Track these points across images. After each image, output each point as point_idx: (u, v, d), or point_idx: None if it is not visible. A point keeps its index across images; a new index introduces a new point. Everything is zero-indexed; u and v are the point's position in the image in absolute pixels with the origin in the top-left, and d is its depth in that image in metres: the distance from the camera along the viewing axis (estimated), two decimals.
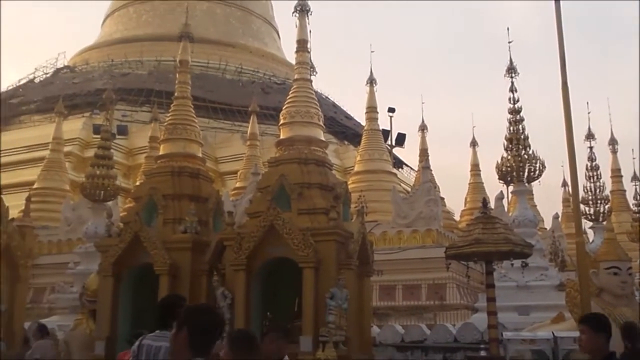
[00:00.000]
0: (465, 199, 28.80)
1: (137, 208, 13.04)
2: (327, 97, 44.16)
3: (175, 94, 14.30)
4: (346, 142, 39.00)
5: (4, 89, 41.21)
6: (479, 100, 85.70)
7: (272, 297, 11.52)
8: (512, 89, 17.42)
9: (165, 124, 14.33)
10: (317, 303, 10.46)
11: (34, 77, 43.76)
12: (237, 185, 25.65)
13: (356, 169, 25.45)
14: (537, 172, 16.83)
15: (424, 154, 27.85)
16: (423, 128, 28.78)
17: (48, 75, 43.69)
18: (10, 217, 15.50)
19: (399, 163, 37.68)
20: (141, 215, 12.61)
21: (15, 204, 18.25)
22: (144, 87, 36.39)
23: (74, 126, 31.79)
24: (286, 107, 12.98)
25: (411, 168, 39.13)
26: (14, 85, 42.94)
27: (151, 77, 38.15)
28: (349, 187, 14.22)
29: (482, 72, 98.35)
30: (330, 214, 11.12)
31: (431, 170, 23.75)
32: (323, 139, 13.16)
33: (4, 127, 34.83)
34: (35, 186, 25.06)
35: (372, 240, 13.34)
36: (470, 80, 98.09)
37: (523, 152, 16.76)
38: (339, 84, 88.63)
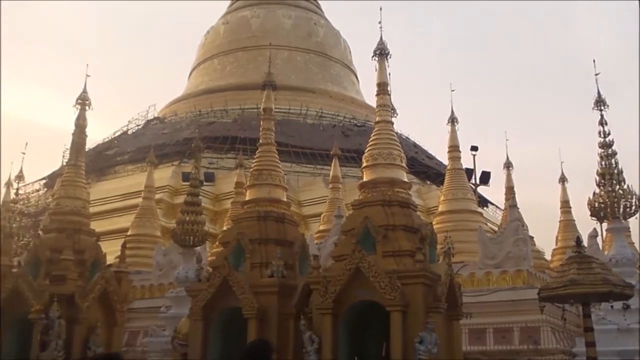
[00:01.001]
0: (556, 237, 27.70)
1: (225, 252, 13.37)
2: (407, 138, 44.08)
3: (260, 141, 14.72)
4: (428, 182, 38.59)
5: (100, 141, 43.62)
6: (566, 134, 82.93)
7: (359, 341, 11.42)
8: (602, 122, 16.81)
9: (251, 170, 14.73)
10: (406, 347, 10.27)
11: (127, 129, 46.18)
12: (321, 228, 25.80)
13: (440, 209, 25.06)
14: (633, 207, 16.03)
15: (509, 191, 27.13)
16: (508, 165, 28.13)
17: (140, 127, 45.98)
18: (107, 263, 16.28)
19: (484, 202, 36.84)
20: (229, 259, 12.92)
21: (111, 250, 19.13)
22: (228, 135, 37.59)
23: (164, 174, 33.13)
24: (368, 150, 13.08)
25: (497, 207, 38.13)
26: (109, 138, 45.39)
27: (235, 125, 39.42)
28: (434, 227, 14.04)
29: (569, 105, 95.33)
30: (417, 256, 11.00)
31: (518, 209, 23.03)
32: (406, 180, 13.13)
33: (101, 177, 36.85)
34: (129, 233, 26.16)
35: (459, 282, 13.05)
36: (556, 114, 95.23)
37: (617, 187, 16.04)
38: (419, 124, 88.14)
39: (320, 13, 53.12)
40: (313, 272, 11.87)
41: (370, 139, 13.36)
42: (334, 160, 28.31)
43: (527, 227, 24.03)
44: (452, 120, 25.73)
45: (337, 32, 52.14)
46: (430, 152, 45.01)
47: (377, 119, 13.58)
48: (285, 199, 14.33)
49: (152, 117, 46.78)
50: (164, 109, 48.25)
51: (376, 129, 13.46)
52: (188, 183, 19.70)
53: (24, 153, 23.34)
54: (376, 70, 13.92)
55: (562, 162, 28.80)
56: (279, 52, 43.28)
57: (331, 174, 28.18)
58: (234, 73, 46.47)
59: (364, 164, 13.12)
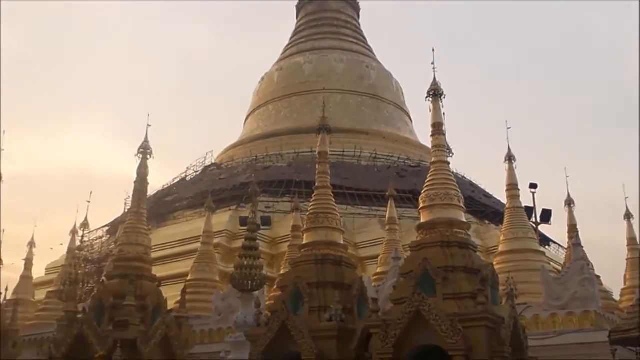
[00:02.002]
0: (624, 276, 26.58)
1: (284, 297, 13.39)
2: (464, 177, 43.55)
3: (316, 184, 14.84)
4: (487, 221, 37.84)
5: (160, 188, 44.78)
6: (630, 169, 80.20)
7: None
8: None
9: (307, 213, 14.83)
10: None
11: (186, 176, 47.31)
12: (378, 270, 25.54)
13: (500, 248, 24.47)
14: None
15: (572, 229, 26.32)
16: (569, 202, 27.34)
17: (198, 173, 47.03)
18: (168, 308, 16.52)
19: (545, 240, 35.80)
20: (288, 303, 12.93)
21: (171, 295, 19.40)
22: (284, 179, 37.99)
23: (222, 219, 33.61)
24: (425, 191, 13.00)
25: (560, 245, 36.98)
26: (169, 184, 46.57)
27: (290, 169, 39.85)
28: (495, 268, 13.73)
29: (631, 139, 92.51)
30: (478, 298, 10.75)
31: (582, 247, 22.27)
32: (464, 220, 12.95)
33: (161, 223, 37.67)
34: (189, 278, 26.51)
35: (524, 324, 12.64)
36: (618, 148, 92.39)
37: None
38: (475, 162, 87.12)
39: (371, 56, 53.74)
40: (372, 316, 11.73)
41: (427, 180, 13.28)
42: (389, 202, 28.15)
43: (592, 266, 23.19)
44: (509, 158, 25.30)
45: (389, 73, 52.54)
46: (487, 190, 44.29)
47: (433, 159, 13.53)
48: (342, 242, 14.32)
49: (209, 163, 47.79)
50: (221, 155, 49.30)
51: (432, 170, 13.40)
52: (245, 227, 19.87)
53: (89, 202, 24.19)
54: (430, 110, 13.94)
55: (626, 198, 27.84)
56: (332, 96, 43.86)
57: (387, 216, 27.99)
58: (288, 118, 47.26)
59: (421, 205, 13.02)
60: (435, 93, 13.84)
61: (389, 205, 28.20)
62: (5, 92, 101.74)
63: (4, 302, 21.43)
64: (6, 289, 21.77)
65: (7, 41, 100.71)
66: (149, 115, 18.03)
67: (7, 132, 22.43)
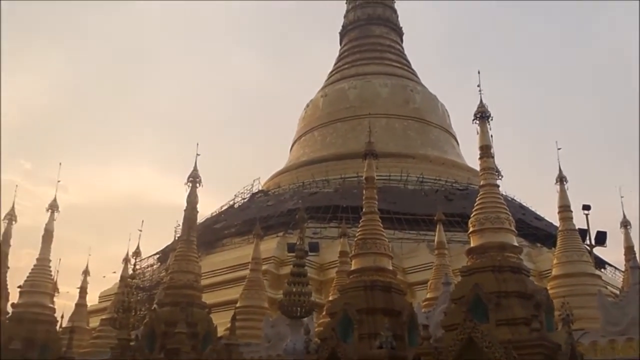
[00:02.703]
0: None
1: (333, 323, 13.32)
2: (513, 199, 42.75)
3: (363, 209, 14.80)
4: (539, 245, 36.95)
5: (208, 215, 45.38)
6: None
7: None
8: None
9: (355, 238, 14.78)
10: None
11: (234, 203, 47.85)
12: (428, 296, 25.13)
13: (554, 272, 23.81)
14: None
15: (629, 252, 25.39)
16: (625, 224, 26.44)
17: (245, 200, 47.52)
18: (218, 335, 16.63)
19: (601, 263, 34.69)
20: (337, 330, 12.85)
21: (221, 322, 19.52)
22: (331, 204, 38.00)
23: (270, 246, 33.77)
24: (475, 214, 12.82)
25: (616, 268, 35.76)
26: (217, 212, 47.17)
27: (337, 194, 39.87)
28: (549, 293, 13.37)
29: None
30: (533, 324, 10.47)
31: None
32: (516, 244, 12.69)
33: (210, 250, 38.11)
34: (238, 305, 26.60)
35: (581, 351, 12.23)
36: None
37: None
38: (524, 184, 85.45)
39: (416, 80, 53.70)
40: (423, 343, 11.54)
41: (476, 203, 13.10)
42: (438, 226, 27.77)
43: None
44: (561, 179, 24.72)
45: (434, 96, 52.35)
46: (538, 213, 43.33)
47: (482, 182, 13.35)
48: (391, 267, 14.20)
49: (257, 190, 48.24)
50: (268, 182, 49.74)
51: (481, 193, 13.21)
52: (293, 254, 19.90)
53: (140, 230, 24.63)
54: (478, 133, 13.81)
55: None
56: (377, 121, 43.85)
57: (436, 240, 27.60)
58: (334, 143, 47.44)
59: (471, 229, 12.83)
60: (483, 115, 13.72)
61: (437, 230, 27.82)
62: (59, 123, 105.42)
63: (60, 329, 21.96)
64: (62, 317, 22.32)
65: (62, 74, 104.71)
66: (197, 144, 18.37)
67: (62, 162, 23.20)
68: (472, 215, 12.94)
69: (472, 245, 12.69)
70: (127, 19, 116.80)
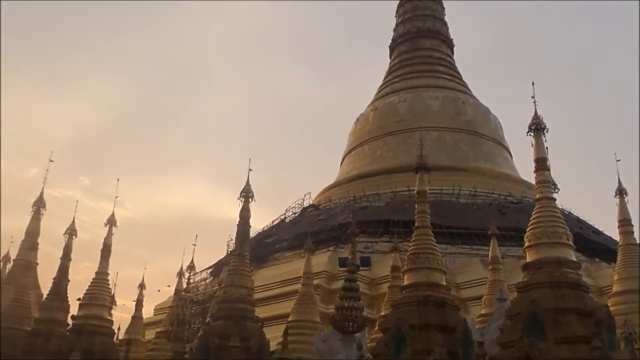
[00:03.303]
0: None
1: (386, 339, 13.22)
2: (570, 213, 41.58)
3: (416, 224, 14.69)
4: (597, 260, 35.82)
5: (260, 230, 45.75)
6: None
7: None
8: None
9: (408, 253, 14.66)
10: None
11: (285, 217, 48.13)
12: (482, 311, 24.61)
13: (615, 289, 23.00)
14: None
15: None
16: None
17: (296, 215, 47.73)
18: (271, 349, 16.69)
19: None
20: (390, 346, 12.74)
21: (273, 336, 19.58)
22: (382, 219, 37.77)
23: (321, 260, 33.76)
24: (531, 228, 12.56)
25: None
26: (269, 226, 47.52)
27: (388, 209, 39.60)
28: (610, 309, 12.92)
29: None
30: (593, 343, 10.16)
31: None
32: (574, 259, 12.36)
33: (261, 264, 38.39)
34: (290, 319, 26.66)
35: None
36: None
37: None
38: (582, 197, 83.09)
39: (467, 92, 53.09)
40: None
41: (532, 217, 12.83)
42: (492, 240, 27.22)
43: None
44: (620, 191, 23.92)
45: (486, 109, 51.62)
46: (597, 226, 42.03)
47: (538, 195, 13.08)
48: (444, 283, 14.03)
49: (307, 205, 48.40)
50: (319, 196, 49.85)
51: (537, 207, 12.94)
52: (344, 268, 19.91)
53: (194, 245, 25.06)
54: (532, 145, 13.56)
55: None
56: (428, 134, 43.49)
57: (490, 255, 27.05)
58: (384, 157, 47.26)
59: (527, 244, 12.56)
60: (537, 127, 13.47)
61: (491, 244, 27.27)
62: (116, 140, 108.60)
63: (117, 341, 22.46)
64: (119, 329, 22.82)
65: (118, 92, 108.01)
66: (250, 160, 18.58)
67: (120, 178, 23.86)
68: (527, 230, 12.67)
69: (528, 260, 12.42)
70: (180, 36, 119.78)
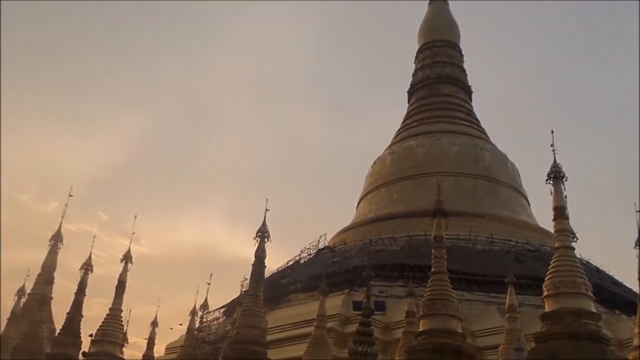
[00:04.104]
0: None
1: None
2: (589, 262, 40.98)
3: (432, 269, 14.58)
4: (617, 311, 35.08)
5: (274, 270, 45.55)
6: None
7: None
8: None
9: (424, 299, 14.51)
10: None
11: (300, 259, 47.90)
12: None
13: (635, 342, 22.41)
14: None
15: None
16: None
17: (311, 256, 47.49)
18: None
19: None
20: None
21: None
22: (397, 263, 37.45)
23: (335, 303, 33.41)
24: (549, 278, 12.40)
25: None
26: (283, 267, 47.29)
27: (404, 253, 39.29)
28: None
29: None
30: None
31: None
32: (594, 310, 12.14)
33: (275, 305, 38.07)
34: None
35: None
36: None
37: None
38: (600, 247, 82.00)
39: (485, 138, 53.17)
40: None
41: (551, 266, 12.69)
42: (509, 289, 26.81)
43: None
44: None
45: (504, 155, 51.58)
46: (616, 277, 41.30)
47: (557, 244, 12.95)
48: (460, 330, 13.82)
49: (323, 246, 48.19)
50: (334, 238, 49.65)
51: (556, 255, 12.80)
52: (359, 312, 19.69)
53: (209, 283, 24.97)
54: (551, 193, 13.50)
55: None
56: (445, 179, 43.43)
57: (507, 303, 26.60)
58: (401, 201, 47.15)
59: (545, 293, 12.39)
60: (557, 175, 13.43)
61: (508, 292, 26.86)
62: (134, 177, 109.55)
63: None
64: None
65: (136, 131, 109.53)
66: (267, 199, 18.63)
67: (136, 215, 23.99)
68: (546, 279, 12.50)
69: (546, 310, 12.23)
70: (200, 75, 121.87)
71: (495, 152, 51.36)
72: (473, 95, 57.63)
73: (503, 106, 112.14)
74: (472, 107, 56.74)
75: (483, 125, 55.37)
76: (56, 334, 22.50)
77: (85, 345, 21.55)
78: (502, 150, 52.29)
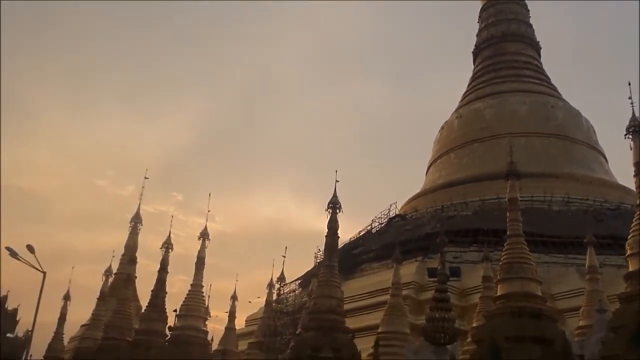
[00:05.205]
0: None
1: (480, 351, 12.94)
2: None
3: (508, 233, 14.33)
4: None
5: (347, 241, 45.88)
6: None
7: None
8: None
9: (500, 263, 14.30)
10: None
11: (371, 228, 48.07)
12: (581, 323, 23.55)
13: None
14: None
15: None
16: None
17: (383, 225, 47.56)
18: None
19: None
20: (484, 358, 12.45)
21: (362, 347, 19.56)
22: (470, 228, 37.03)
23: (409, 271, 33.43)
24: (632, 236, 11.99)
25: None
26: (355, 237, 47.58)
27: (476, 217, 38.79)
28: None
29: None
30: None
31: None
32: None
33: (349, 276, 38.47)
34: (379, 330, 26.56)
35: None
36: None
37: None
38: None
39: (556, 95, 51.34)
40: None
41: (633, 224, 12.24)
42: (589, 249, 26.06)
43: None
44: None
45: (578, 112, 49.71)
46: None
47: (638, 201, 12.44)
48: (539, 293, 13.58)
49: (393, 215, 48.15)
50: (405, 206, 49.48)
51: (638, 213, 12.31)
52: (433, 278, 19.65)
53: (284, 256, 25.44)
54: (631, 148, 12.95)
55: None
56: (516, 140, 42.21)
57: (587, 264, 25.87)
58: (471, 165, 46.38)
59: (629, 252, 11.98)
60: (636, 129, 12.84)
61: (588, 253, 26.12)
62: (206, 157, 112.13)
63: (212, 352, 23.10)
64: (212, 340, 23.44)
65: (206, 111, 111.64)
66: (336, 171, 18.70)
67: (210, 193, 24.60)
68: (629, 237, 12.08)
69: (630, 269, 11.82)
70: (260, 54, 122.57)
71: (568, 109, 49.54)
72: (542, 52, 55.58)
73: (575, 60, 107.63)
74: (541, 63, 54.79)
75: (554, 82, 53.43)
76: (142, 311, 23.50)
77: (170, 320, 22.45)
78: (576, 106, 50.40)
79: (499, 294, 13.74)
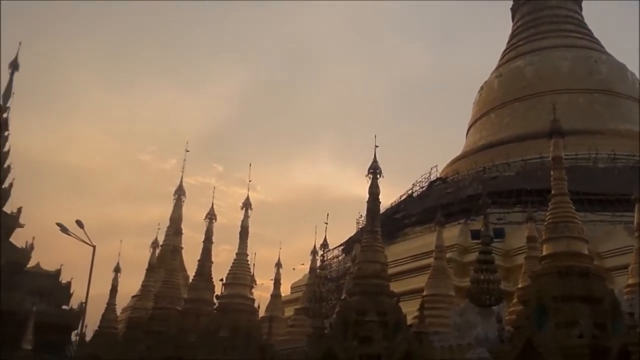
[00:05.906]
0: None
1: (527, 312, 12.87)
2: None
3: (552, 192, 14.11)
4: None
5: (388, 206, 45.85)
6: None
7: None
8: None
9: (546, 223, 14.11)
10: None
11: (412, 192, 47.91)
12: (630, 282, 23.19)
13: None
14: None
15: None
16: None
17: (424, 189, 47.35)
18: (407, 323, 16.82)
19: None
20: (531, 318, 12.40)
21: (408, 311, 19.67)
22: (513, 188, 36.59)
23: (451, 233, 33.34)
24: None
25: None
26: (396, 202, 47.53)
27: (519, 178, 38.28)
28: None
29: None
30: None
31: None
32: None
33: (391, 240, 38.57)
34: (425, 293, 26.66)
35: None
36: None
37: None
38: None
39: (600, 49, 49.77)
40: (629, 332, 10.74)
41: None
42: (636, 206, 25.51)
43: None
44: None
45: (623, 65, 48.15)
46: None
47: None
48: (586, 252, 13.39)
49: (434, 178, 47.86)
50: (446, 169, 49.09)
51: None
52: (477, 240, 19.55)
53: (326, 223, 25.62)
54: None
55: None
56: (558, 97, 41.29)
57: (635, 221, 25.27)
58: (512, 125, 45.59)
59: None
60: None
61: (636, 210, 25.55)
62: (245, 127, 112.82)
63: (259, 318, 23.58)
64: (258, 307, 23.90)
65: (243, 82, 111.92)
66: (375, 136, 18.60)
67: (250, 163, 24.83)
68: None
69: None
70: (297, 22, 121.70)
71: (612, 62, 48.02)
72: (584, 4, 53.76)
73: (619, 13, 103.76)
74: (582, 17, 53.06)
75: (597, 35, 51.73)
76: (190, 280, 24.07)
77: (217, 289, 22.95)
78: (621, 60, 48.80)
79: (544, 253, 13.60)
